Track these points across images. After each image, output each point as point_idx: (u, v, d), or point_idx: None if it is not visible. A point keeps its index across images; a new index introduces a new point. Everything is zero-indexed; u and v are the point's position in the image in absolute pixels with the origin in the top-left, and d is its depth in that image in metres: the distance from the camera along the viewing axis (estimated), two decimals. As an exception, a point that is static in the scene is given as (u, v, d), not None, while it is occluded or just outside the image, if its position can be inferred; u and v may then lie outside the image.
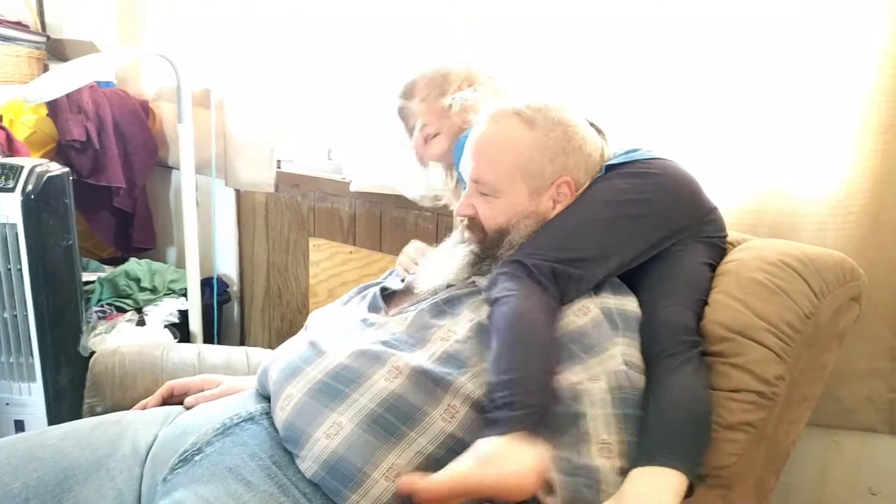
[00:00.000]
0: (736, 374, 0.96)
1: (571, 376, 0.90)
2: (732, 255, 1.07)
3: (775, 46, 1.20)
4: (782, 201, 1.24)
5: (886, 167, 1.15)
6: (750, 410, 0.95)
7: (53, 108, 2.14)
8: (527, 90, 1.12)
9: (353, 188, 1.86)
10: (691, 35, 1.28)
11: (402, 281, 1.13)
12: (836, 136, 1.17)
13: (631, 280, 1.03)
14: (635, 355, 0.95)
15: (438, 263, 1.08)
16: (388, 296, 1.10)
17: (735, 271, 1.02)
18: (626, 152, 1.07)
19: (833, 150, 1.17)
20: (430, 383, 0.88)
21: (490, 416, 0.84)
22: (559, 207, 1.04)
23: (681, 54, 1.30)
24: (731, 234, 1.10)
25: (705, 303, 1.02)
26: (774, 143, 1.24)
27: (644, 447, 0.86)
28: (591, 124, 1.09)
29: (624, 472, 0.85)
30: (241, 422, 0.96)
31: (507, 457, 0.78)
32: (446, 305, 1.00)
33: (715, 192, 1.12)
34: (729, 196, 1.26)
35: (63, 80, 1.71)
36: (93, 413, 1.18)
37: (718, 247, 1.06)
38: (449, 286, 1.04)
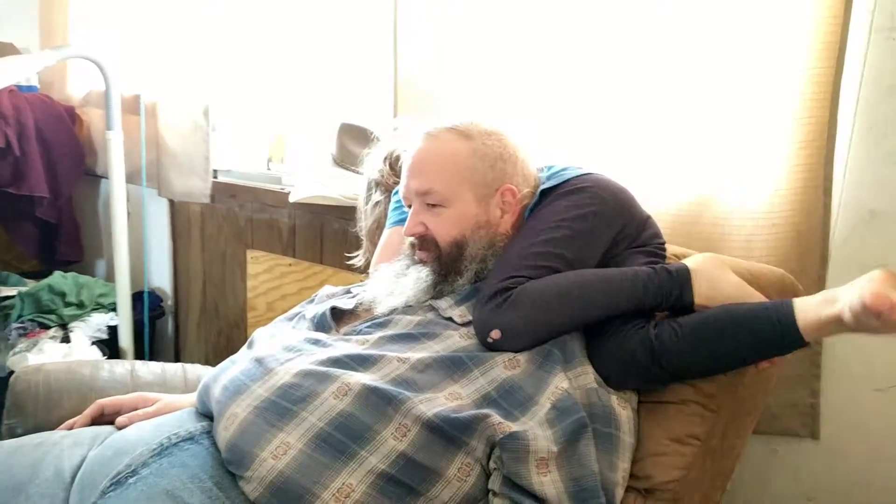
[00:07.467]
0: (679, 386, 0.99)
1: (561, 382, 0.90)
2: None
3: (706, 60, 1.24)
4: (713, 211, 1.29)
5: (807, 181, 1.21)
6: (696, 423, 0.98)
7: (-31, 112, 2.03)
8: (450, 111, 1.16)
9: (292, 199, 1.81)
10: (628, 46, 1.32)
11: (353, 297, 1.10)
12: (763, 151, 1.22)
13: None
14: None
15: (393, 283, 1.05)
16: (338, 315, 1.07)
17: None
18: (555, 172, 1.09)
19: (759, 163, 1.23)
20: (381, 402, 0.85)
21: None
22: (507, 218, 1.06)
23: (617, 65, 1.34)
24: (671, 248, 1.13)
25: None
26: (706, 157, 1.28)
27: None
28: None
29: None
30: (180, 441, 0.91)
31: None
32: (413, 329, 0.98)
33: (650, 200, 1.15)
34: (663, 204, 1.30)
35: (-19, 82, 1.62)
36: (12, 435, 1.11)
37: (657, 253, 1.08)
38: (408, 307, 1.02)
